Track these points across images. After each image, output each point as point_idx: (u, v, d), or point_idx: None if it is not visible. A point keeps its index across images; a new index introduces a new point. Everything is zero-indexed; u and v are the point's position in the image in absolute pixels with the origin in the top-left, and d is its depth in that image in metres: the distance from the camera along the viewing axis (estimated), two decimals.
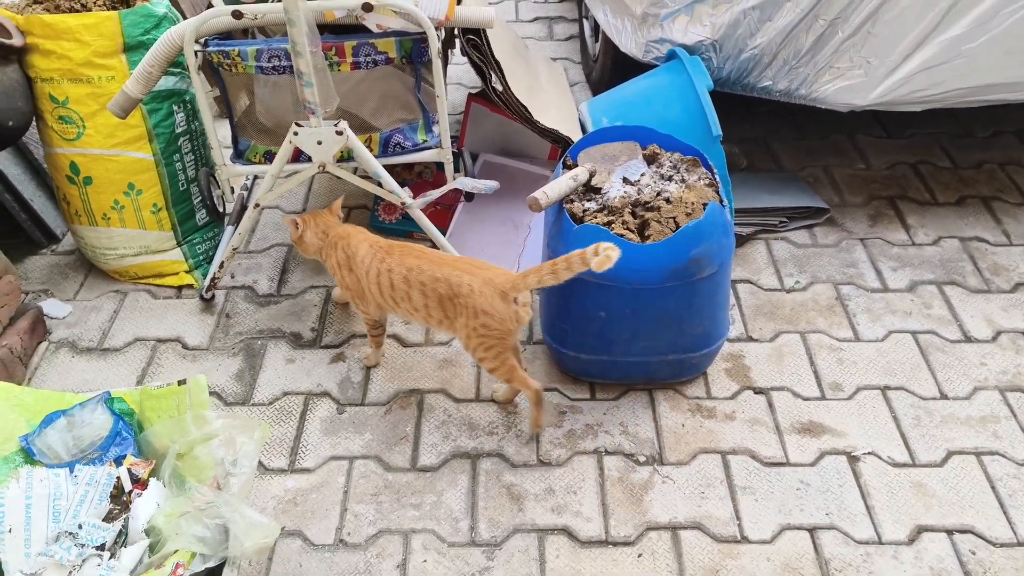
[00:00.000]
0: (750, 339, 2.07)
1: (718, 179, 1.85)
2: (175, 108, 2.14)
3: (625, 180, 1.85)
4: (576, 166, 1.91)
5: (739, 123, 2.72)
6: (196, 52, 1.84)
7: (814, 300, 2.18)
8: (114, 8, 2.01)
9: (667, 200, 1.77)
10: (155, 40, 2.03)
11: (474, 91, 2.99)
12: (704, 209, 1.72)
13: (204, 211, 2.30)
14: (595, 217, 1.77)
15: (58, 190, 2.20)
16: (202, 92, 1.89)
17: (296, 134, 1.86)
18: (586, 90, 3.07)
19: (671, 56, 2.29)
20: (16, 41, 1.94)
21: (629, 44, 2.45)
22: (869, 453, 1.80)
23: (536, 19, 3.57)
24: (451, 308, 1.69)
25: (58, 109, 2.03)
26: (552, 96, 2.55)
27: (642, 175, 1.86)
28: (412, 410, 1.91)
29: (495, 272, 1.67)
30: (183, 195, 2.23)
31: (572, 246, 1.74)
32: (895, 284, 2.22)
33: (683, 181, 1.84)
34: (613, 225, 1.73)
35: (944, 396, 1.91)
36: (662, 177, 1.87)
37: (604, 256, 1.49)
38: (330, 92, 1.81)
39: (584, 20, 3.16)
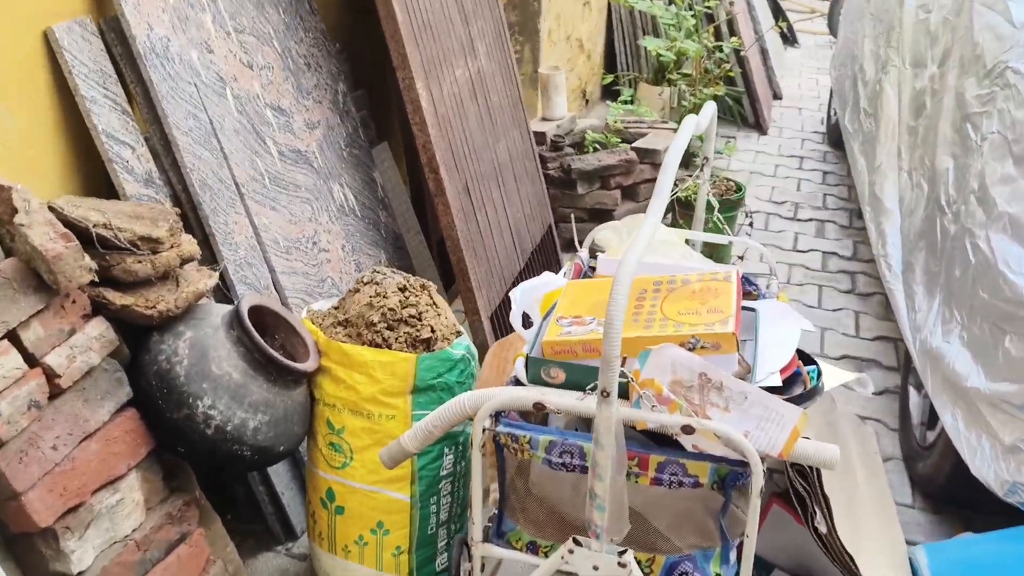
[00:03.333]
0: None
1: None
2: (446, 450, 1.97)
3: None
4: None
5: None
6: (484, 429, 1.64)
7: None
8: (413, 345, 1.89)
9: None
10: (445, 383, 1.90)
11: None
12: None
13: (446, 556, 2.06)
14: None
15: (309, 504, 2.07)
16: (479, 470, 1.68)
17: (571, 551, 1.57)
18: (900, 471, 2.57)
19: None
20: (310, 366, 1.87)
21: (985, 472, 1.97)
22: None
23: (844, 357, 3.17)
24: None
25: (331, 435, 1.92)
26: (870, 511, 2.10)
27: None
28: None
29: None
30: (429, 539, 2.01)
31: None
32: None
33: None
34: None
35: None
36: None
37: None
38: (623, 519, 1.52)
39: (910, 386, 2.71)
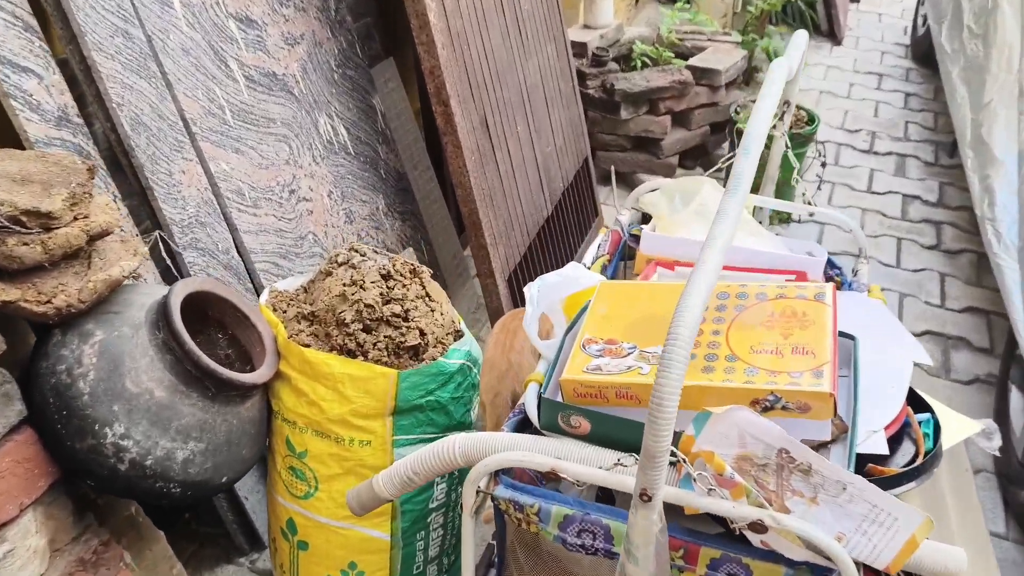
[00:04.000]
0: None
1: None
2: (437, 480, 1.56)
3: None
4: None
5: None
6: (479, 491, 1.23)
7: None
8: (396, 353, 1.46)
9: None
10: (436, 402, 1.48)
11: None
12: None
13: None
14: None
15: (270, 530, 1.70)
16: (471, 537, 1.27)
17: None
18: (991, 487, 2.14)
19: None
20: (261, 376, 1.45)
21: None
22: None
23: (926, 332, 2.68)
24: None
25: (291, 458, 1.52)
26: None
27: None
28: None
29: None
30: None
31: None
32: None
33: None
34: None
35: None
36: None
37: None
38: None
39: (1011, 384, 2.23)
